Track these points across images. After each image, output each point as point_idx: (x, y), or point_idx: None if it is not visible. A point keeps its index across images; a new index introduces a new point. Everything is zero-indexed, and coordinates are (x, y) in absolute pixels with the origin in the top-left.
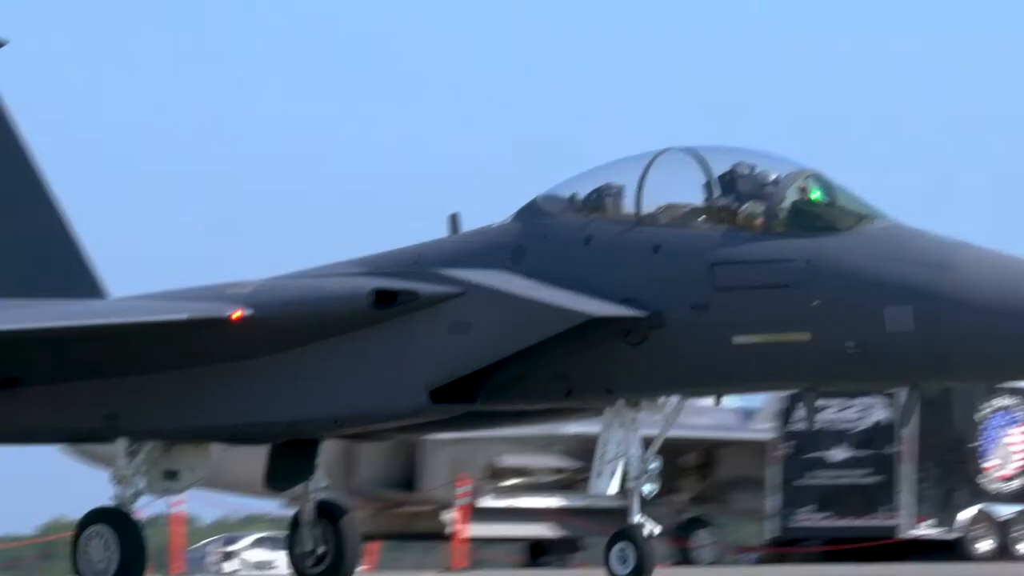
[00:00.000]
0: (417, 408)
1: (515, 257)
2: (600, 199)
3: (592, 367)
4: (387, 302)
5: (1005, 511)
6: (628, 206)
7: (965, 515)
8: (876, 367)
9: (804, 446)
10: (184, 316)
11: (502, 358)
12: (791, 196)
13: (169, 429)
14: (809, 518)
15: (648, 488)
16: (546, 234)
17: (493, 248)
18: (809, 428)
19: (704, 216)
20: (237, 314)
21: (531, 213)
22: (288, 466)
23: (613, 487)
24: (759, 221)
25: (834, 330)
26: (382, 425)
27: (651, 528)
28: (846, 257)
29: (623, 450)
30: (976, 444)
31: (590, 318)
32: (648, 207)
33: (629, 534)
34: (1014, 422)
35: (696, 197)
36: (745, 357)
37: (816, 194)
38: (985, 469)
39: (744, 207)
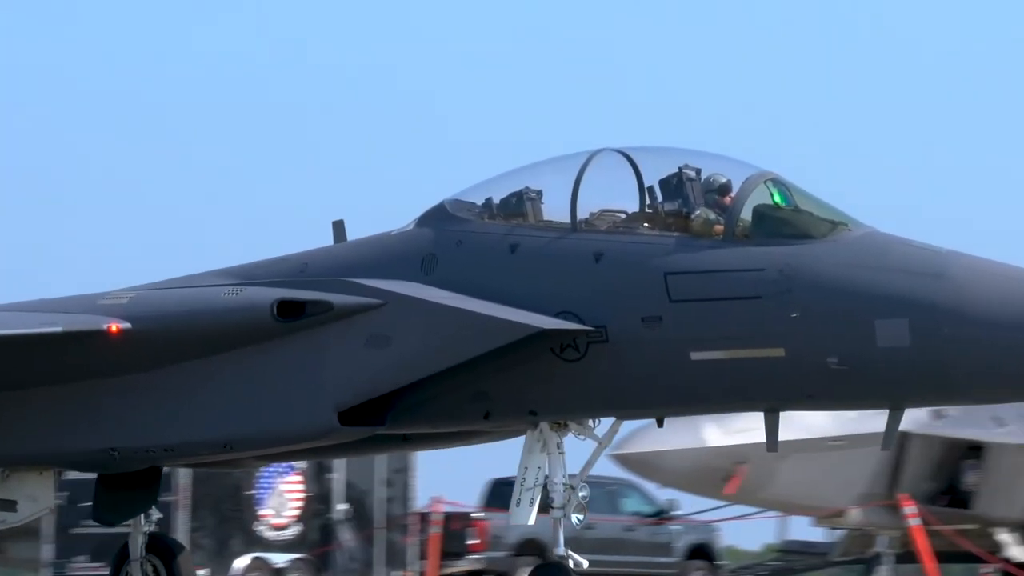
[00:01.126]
0: (325, 430)
1: (426, 267)
2: (523, 204)
3: (517, 386)
4: (293, 314)
5: (279, 559)
6: (560, 211)
7: (240, 563)
8: (863, 385)
9: (78, 495)
10: (58, 329)
11: (428, 375)
12: (752, 201)
13: (16, 455)
14: (84, 567)
15: (577, 518)
16: (461, 241)
17: (397, 257)
18: (774, 451)
19: (650, 223)
20: (116, 327)
21: (440, 219)
22: (123, 496)
23: (533, 517)
24: (718, 228)
25: (814, 345)
26: (280, 448)
27: (577, 561)
28: (825, 266)
29: (542, 477)
30: (252, 492)
31: (537, 331)
32: (583, 213)
33: (554, 570)
34: (291, 470)
35: (638, 202)
36: (704, 374)
37: (778, 198)
38: (261, 517)
39: (697, 213)
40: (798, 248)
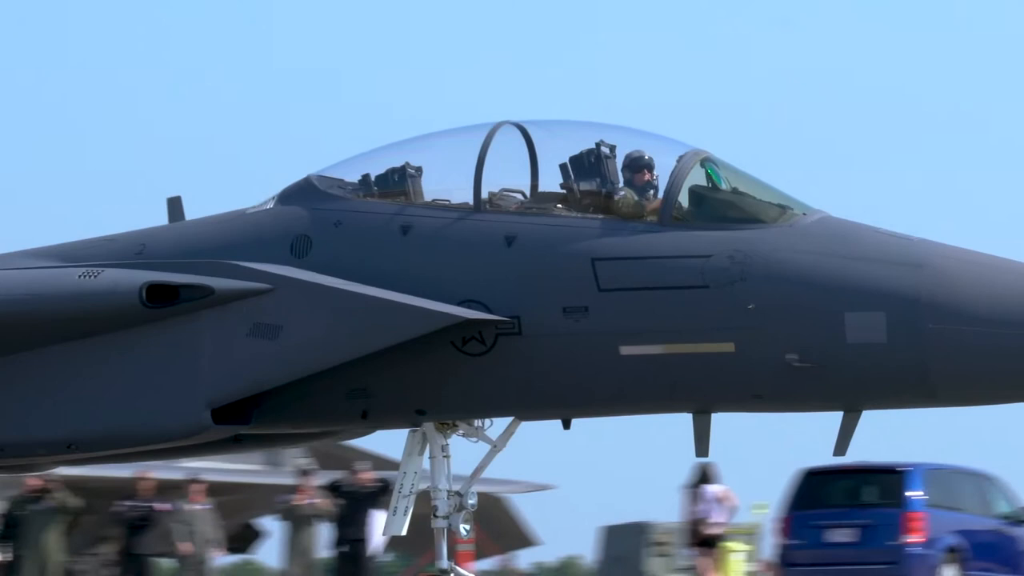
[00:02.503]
0: (196, 428)
1: (297, 249)
2: (405, 181)
3: (406, 382)
4: (161, 299)
5: None
6: (450, 190)
7: None
8: (825, 385)
9: None
10: None
11: (325, 368)
12: (688, 180)
13: None
14: None
15: (464, 528)
16: (340, 221)
17: (259, 238)
18: (704, 456)
19: (564, 203)
20: None
21: (309, 196)
22: None
23: (406, 527)
24: (651, 208)
25: (770, 340)
26: (137, 448)
27: (461, 575)
28: (784, 253)
29: (418, 483)
30: None
31: (460, 320)
32: (487, 192)
33: None
34: None
35: (547, 181)
36: (635, 371)
37: (715, 178)
38: None
39: (622, 193)
40: (749, 233)
